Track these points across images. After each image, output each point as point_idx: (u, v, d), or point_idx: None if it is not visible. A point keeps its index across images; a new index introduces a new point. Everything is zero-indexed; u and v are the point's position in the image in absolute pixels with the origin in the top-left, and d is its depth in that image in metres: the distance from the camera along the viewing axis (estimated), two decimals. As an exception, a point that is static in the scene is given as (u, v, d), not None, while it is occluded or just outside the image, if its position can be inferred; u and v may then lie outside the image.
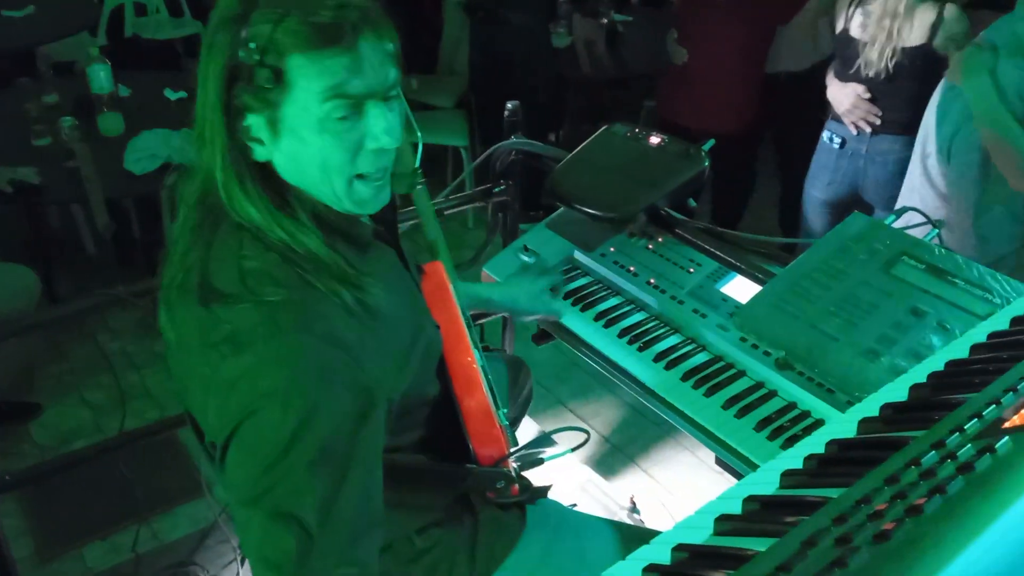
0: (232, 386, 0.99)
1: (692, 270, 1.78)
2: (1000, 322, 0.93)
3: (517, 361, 1.97)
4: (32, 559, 2.52)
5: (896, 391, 0.81)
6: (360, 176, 1.10)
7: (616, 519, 2.23)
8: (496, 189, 2.13)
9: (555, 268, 1.88)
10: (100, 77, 3.12)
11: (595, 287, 1.86)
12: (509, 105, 2.11)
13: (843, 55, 2.69)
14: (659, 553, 0.62)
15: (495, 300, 1.75)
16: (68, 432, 2.99)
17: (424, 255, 1.49)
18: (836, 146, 2.78)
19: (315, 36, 1.01)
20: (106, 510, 2.62)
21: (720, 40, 3.31)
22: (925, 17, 2.51)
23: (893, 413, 0.75)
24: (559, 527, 1.46)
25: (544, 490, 1.44)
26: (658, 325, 1.74)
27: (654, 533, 1.53)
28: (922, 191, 2.34)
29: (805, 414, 1.48)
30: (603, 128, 2.01)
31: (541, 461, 1.45)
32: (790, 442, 1.44)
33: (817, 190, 2.93)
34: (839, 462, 0.68)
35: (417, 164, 1.37)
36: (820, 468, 0.68)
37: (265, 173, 1.10)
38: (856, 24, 2.60)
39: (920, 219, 1.76)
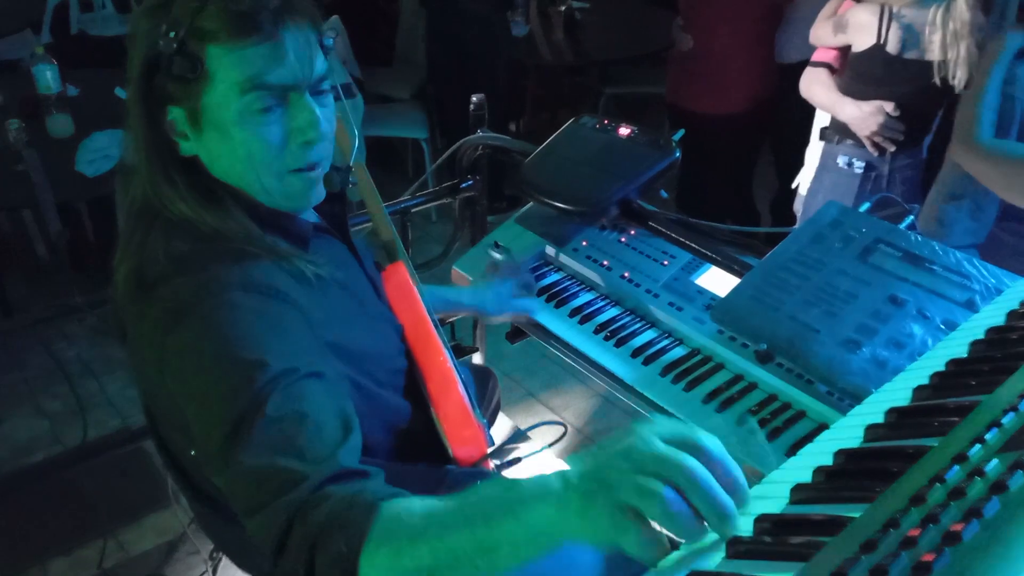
0: (181, 355, 0.96)
1: (666, 263, 1.76)
2: (995, 316, 0.92)
3: (485, 370, 1.95)
4: (-7, 577, 2.44)
5: (897, 392, 0.79)
6: (290, 171, 1.08)
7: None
8: (463, 185, 2.08)
9: (525, 265, 1.84)
10: (46, 77, 3.02)
11: (568, 283, 1.83)
12: (474, 98, 2.07)
13: (864, 71, 2.47)
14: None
15: (464, 303, 1.72)
16: (25, 444, 2.90)
17: (381, 256, 1.46)
18: (859, 171, 2.57)
19: (233, 25, 0.98)
20: (68, 524, 2.55)
21: (725, 23, 3.28)
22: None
23: (899, 418, 0.73)
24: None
25: None
26: (634, 320, 1.72)
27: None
28: None
29: (786, 406, 1.47)
30: (571, 120, 1.97)
31: (519, 459, 1.42)
32: (773, 434, 1.42)
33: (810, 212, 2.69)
34: (851, 475, 0.66)
35: (352, 161, 1.34)
36: (832, 482, 0.66)
37: (194, 168, 1.08)
38: (895, 39, 2.37)
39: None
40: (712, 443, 0.67)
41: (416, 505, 0.80)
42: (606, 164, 1.85)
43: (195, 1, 0.98)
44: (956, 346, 0.87)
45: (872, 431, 0.72)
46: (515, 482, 0.74)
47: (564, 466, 2.34)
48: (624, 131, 1.89)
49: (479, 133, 2.05)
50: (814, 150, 2.77)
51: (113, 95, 3.42)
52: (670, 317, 1.65)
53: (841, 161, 2.59)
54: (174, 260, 1.02)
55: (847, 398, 1.37)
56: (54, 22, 4.67)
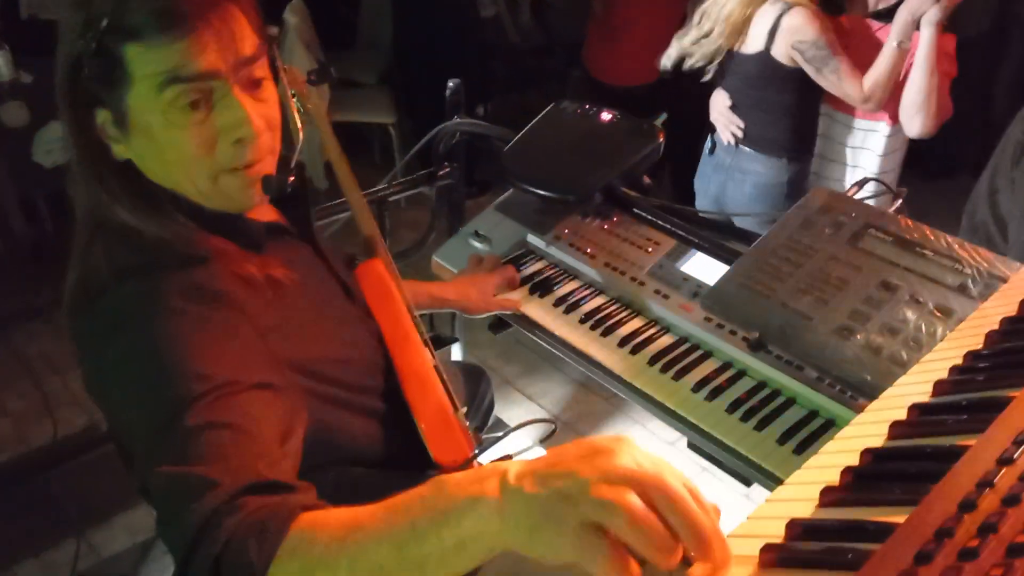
0: (117, 366, 0.93)
1: (651, 250, 1.74)
2: (1007, 304, 0.91)
3: (478, 370, 1.91)
4: (-40, 584, 2.37)
5: (916, 385, 0.77)
6: (224, 171, 1.03)
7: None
8: (440, 172, 2.04)
9: (505, 257, 1.81)
10: (-1, 64, 2.92)
11: (551, 272, 1.80)
12: (451, 83, 2.02)
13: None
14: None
15: (449, 299, 1.68)
16: (-12, 445, 2.82)
17: (361, 251, 1.41)
18: (707, 151, 2.60)
19: (154, 22, 0.93)
20: (37, 525, 2.48)
21: None
22: (761, 23, 2.33)
23: (923, 415, 0.71)
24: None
25: None
26: (620, 308, 1.69)
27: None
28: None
29: (776, 393, 1.46)
30: (551, 106, 1.94)
31: (509, 457, 1.39)
32: (764, 423, 1.41)
33: (699, 196, 2.64)
34: (882, 476, 0.64)
35: (293, 164, 1.26)
36: (862, 483, 0.64)
37: (130, 172, 1.03)
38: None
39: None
40: (675, 471, 0.60)
41: (336, 515, 0.74)
42: (588, 150, 1.82)
43: None
44: (969, 336, 0.86)
45: (896, 428, 0.70)
46: (444, 483, 0.67)
47: (539, 451, 2.30)
48: (606, 116, 1.86)
49: (456, 119, 2.01)
50: None
51: (70, 82, 3.32)
52: (656, 305, 1.63)
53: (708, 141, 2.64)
54: (116, 270, 0.98)
55: (839, 384, 1.37)
56: (3, 6, 4.52)
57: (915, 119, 2.18)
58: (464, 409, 1.36)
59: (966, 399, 0.70)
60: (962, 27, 2.55)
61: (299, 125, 1.19)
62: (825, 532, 0.58)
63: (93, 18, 0.93)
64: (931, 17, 2.09)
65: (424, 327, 1.36)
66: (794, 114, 2.40)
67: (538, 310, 1.71)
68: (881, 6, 2.31)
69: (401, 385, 1.26)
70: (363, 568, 0.67)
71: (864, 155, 2.43)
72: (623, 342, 1.60)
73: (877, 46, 2.25)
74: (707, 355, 1.56)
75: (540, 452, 1.79)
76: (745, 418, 1.43)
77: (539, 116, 1.92)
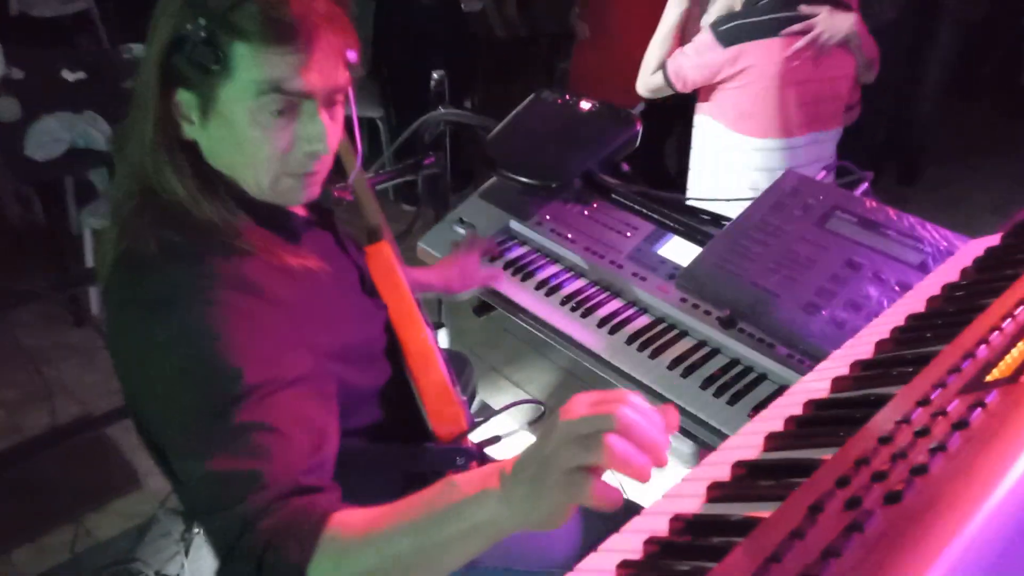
0: (164, 348, 0.96)
1: (629, 234, 1.80)
2: (950, 273, 0.97)
3: (462, 358, 1.97)
4: (-42, 569, 2.41)
5: (861, 347, 0.83)
6: (289, 174, 1.08)
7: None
8: (426, 161, 2.09)
9: (487, 237, 1.87)
10: (-10, 59, 2.95)
11: (533, 256, 1.86)
12: (435, 75, 2.07)
13: None
14: (657, 524, 0.62)
15: (433, 284, 1.74)
16: (-18, 434, 2.85)
17: (365, 237, 1.47)
18: None
19: (269, 31, 0.98)
20: (33, 512, 2.51)
21: (617, 10, 3.28)
22: None
23: (863, 369, 0.77)
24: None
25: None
26: (599, 291, 1.75)
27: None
28: None
29: (748, 370, 1.52)
30: (532, 95, 1.99)
31: (499, 438, 1.45)
32: (736, 398, 1.47)
33: None
34: (822, 422, 0.70)
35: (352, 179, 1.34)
36: (803, 429, 0.70)
37: (193, 152, 1.08)
38: None
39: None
40: (633, 397, 0.69)
41: (363, 513, 0.83)
42: (568, 138, 1.87)
43: None
44: (914, 302, 0.92)
45: (838, 382, 0.76)
46: (457, 483, 0.77)
47: (526, 436, 2.38)
48: (585, 105, 1.91)
49: (440, 110, 2.06)
50: None
51: (59, 77, 3.36)
52: (634, 287, 1.69)
53: None
54: (166, 248, 1.02)
55: (808, 359, 1.43)
56: (-7, 3, 4.55)
57: None
58: (459, 387, 1.42)
59: (900, 355, 0.76)
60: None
61: (359, 149, 1.29)
62: (766, 471, 0.64)
63: (207, 10, 0.97)
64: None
65: (421, 306, 1.41)
66: None
67: (520, 293, 1.77)
68: None
69: (405, 363, 1.32)
70: (388, 557, 0.77)
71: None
72: (602, 323, 1.66)
73: None
74: (683, 334, 1.62)
75: (527, 434, 1.86)
76: (718, 393, 1.49)
77: (521, 105, 1.97)
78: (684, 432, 1.53)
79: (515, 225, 1.90)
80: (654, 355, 1.57)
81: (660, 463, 0.64)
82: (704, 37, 2.22)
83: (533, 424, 1.50)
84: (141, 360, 0.99)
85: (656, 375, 1.54)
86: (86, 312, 3.32)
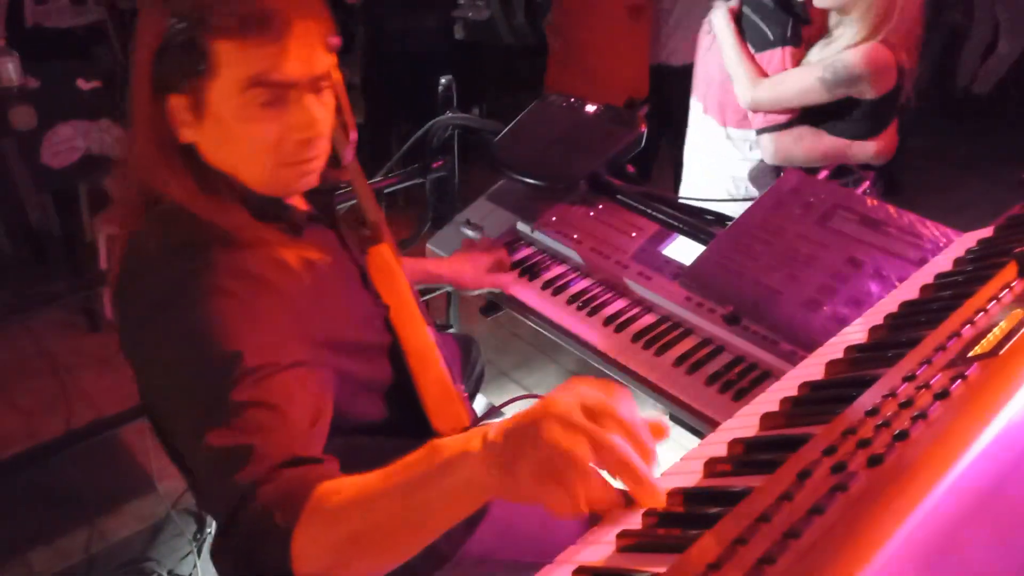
0: (165, 340, 0.99)
1: (634, 234, 1.82)
2: (943, 264, 0.99)
3: (467, 339, 1.99)
4: (-25, 570, 2.45)
5: (855, 334, 0.86)
6: (285, 164, 1.11)
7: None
8: (434, 164, 2.13)
9: (498, 243, 1.90)
10: (8, 69, 3.00)
11: (540, 256, 1.89)
12: (443, 80, 2.11)
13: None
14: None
15: (444, 275, 1.76)
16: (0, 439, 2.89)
17: (366, 237, 1.49)
18: None
19: (246, 25, 1.00)
20: (48, 515, 2.55)
21: (587, 22, 3.30)
22: None
23: (858, 353, 0.80)
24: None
25: None
26: (604, 290, 1.78)
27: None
28: None
29: (752, 367, 1.53)
30: (538, 99, 2.02)
31: None
32: (740, 394, 1.49)
33: None
34: (814, 402, 0.72)
35: (351, 159, 1.36)
36: (797, 409, 0.72)
37: (191, 155, 1.10)
38: None
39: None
40: (628, 409, 0.71)
41: (352, 480, 0.85)
42: (574, 141, 1.90)
43: None
44: (908, 291, 0.94)
45: (832, 366, 0.78)
46: (437, 445, 0.78)
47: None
48: (591, 108, 1.94)
49: (448, 114, 2.10)
50: None
51: (74, 86, 3.41)
52: (639, 286, 1.72)
53: None
54: (165, 246, 1.05)
55: (808, 354, 1.44)
56: (8, 15, 4.61)
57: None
58: (461, 384, 1.45)
59: (892, 339, 0.78)
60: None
61: (350, 129, 1.29)
62: (761, 448, 0.67)
63: (185, 12, 1.00)
64: None
65: (425, 307, 1.44)
66: None
67: (527, 292, 1.80)
68: None
69: (406, 360, 1.35)
70: (373, 518, 0.79)
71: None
72: (608, 321, 1.69)
73: None
74: (687, 332, 1.64)
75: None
76: (723, 390, 1.50)
77: (527, 109, 2.00)
78: (689, 428, 1.55)
79: (522, 226, 1.93)
80: (659, 352, 1.60)
81: (640, 497, 0.67)
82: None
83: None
84: (150, 355, 1.02)
85: (661, 372, 1.57)
86: (101, 318, 3.36)
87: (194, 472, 0.98)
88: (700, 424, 1.50)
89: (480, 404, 2.45)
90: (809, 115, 2.10)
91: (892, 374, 0.65)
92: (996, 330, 0.65)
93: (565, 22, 3.42)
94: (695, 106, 2.41)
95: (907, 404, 0.58)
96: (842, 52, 1.99)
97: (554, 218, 1.90)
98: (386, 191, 2.04)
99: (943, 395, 0.57)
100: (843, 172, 1.71)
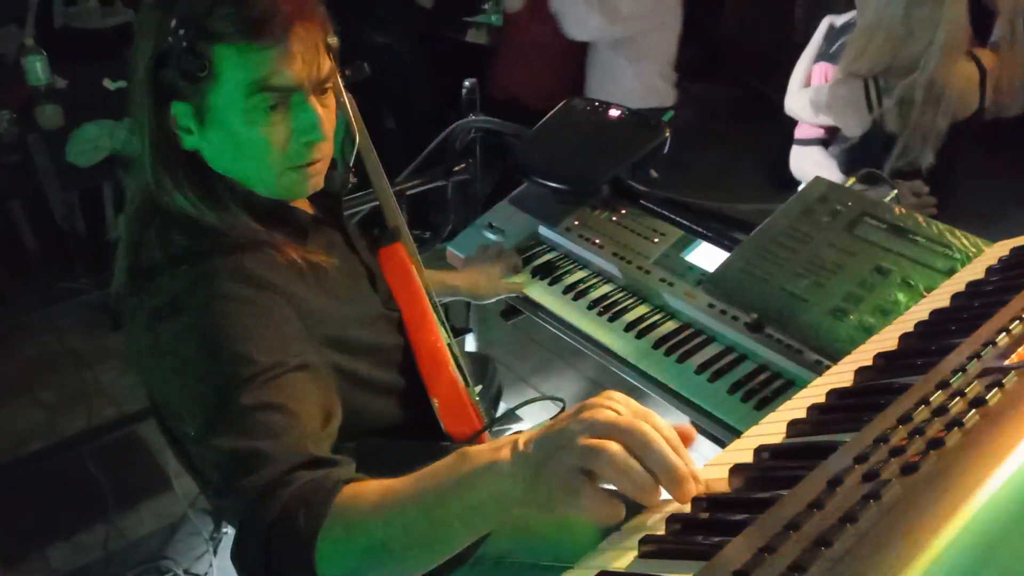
0: (173, 344, 0.99)
1: (657, 240, 1.81)
2: (975, 272, 0.97)
3: (483, 358, 1.98)
4: (-6, 563, 2.46)
5: (885, 341, 0.84)
6: (291, 167, 1.11)
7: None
8: (456, 167, 2.13)
9: (512, 249, 1.89)
10: (36, 69, 3.02)
11: (561, 261, 1.88)
12: (466, 83, 2.10)
13: (862, 155, 2.19)
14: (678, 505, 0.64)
15: (459, 287, 1.76)
16: (22, 433, 2.92)
17: (385, 238, 1.49)
18: None
19: (245, 28, 1.00)
20: (68, 511, 2.57)
21: (528, 10, 3.34)
22: None
23: (887, 361, 0.78)
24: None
25: None
26: (626, 295, 1.76)
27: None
28: None
29: (775, 376, 1.52)
30: (562, 103, 2.02)
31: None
32: (763, 403, 1.48)
33: None
34: (844, 409, 0.71)
35: (352, 160, 1.36)
36: (825, 416, 0.71)
37: (194, 162, 1.10)
38: (892, 117, 2.10)
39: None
40: (658, 418, 0.69)
41: (374, 485, 0.83)
42: (597, 145, 1.89)
43: (206, 0, 1.00)
44: (939, 299, 0.93)
45: (861, 373, 0.77)
46: (466, 454, 0.76)
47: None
48: (614, 113, 1.93)
49: (471, 117, 2.09)
50: None
51: (101, 86, 3.44)
52: (661, 292, 1.70)
53: None
54: (171, 253, 1.05)
55: (834, 363, 1.42)
56: (38, 16, 4.66)
57: None
58: (478, 387, 1.44)
59: (923, 347, 0.77)
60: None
61: (357, 130, 1.29)
62: (789, 454, 0.65)
63: (183, 19, 1.00)
64: None
65: (440, 310, 1.43)
66: None
67: (549, 297, 1.79)
68: None
69: (417, 363, 1.34)
70: (396, 527, 0.77)
71: None
72: (629, 327, 1.67)
73: None
74: (710, 340, 1.62)
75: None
76: (745, 399, 1.49)
77: (551, 113, 2.00)
78: (710, 437, 1.54)
79: (544, 231, 1.92)
80: (681, 360, 1.58)
81: (674, 491, 0.65)
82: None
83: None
84: (157, 361, 1.02)
85: (683, 380, 1.55)
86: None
87: (204, 474, 0.98)
88: (722, 433, 1.48)
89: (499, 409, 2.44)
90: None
91: (925, 382, 0.64)
92: (1034, 338, 0.64)
93: (506, 27, 3.49)
94: None
95: (941, 412, 0.57)
96: None
97: (576, 222, 1.90)
98: (408, 193, 2.03)
99: (979, 403, 0.56)
100: (872, 180, 1.69)
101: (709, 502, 0.62)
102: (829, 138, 2.30)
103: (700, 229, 1.79)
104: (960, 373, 0.62)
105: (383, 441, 1.28)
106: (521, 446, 0.71)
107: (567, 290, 1.79)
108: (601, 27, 3.04)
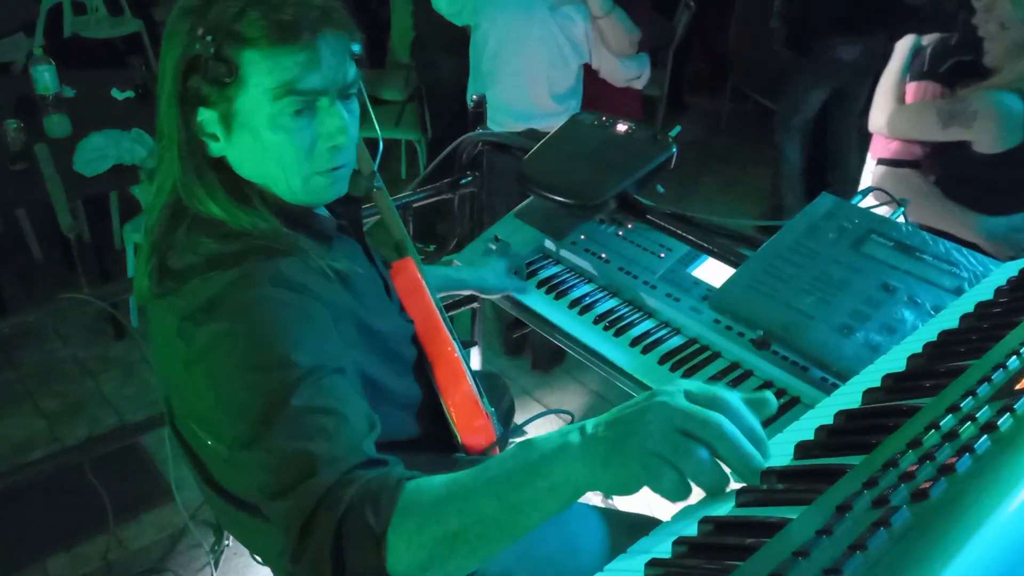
0: (212, 347, 0.98)
1: (663, 255, 1.80)
2: (984, 292, 0.97)
3: (493, 376, 1.98)
4: (-7, 574, 2.46)
5: (893, 362, 0.83)
6: (317, 171, 1.11)
7: (590, 504, 2.26)
8: (463, 180, 2.12)
9: (516, 254, 1.89)
10: (45, 77, 3.04)
11: (567, 275, 1.87)
12: (474, 96, 2.11)
13: (1004, 178, 2.20)
14: (686, 528, 0.63)
15: (466, 280, 1.76)
16: (23, 443, 2.91)
17: (391, 253, 1.49)
18: None
19: (272, 33, 1.01)
20: (68, 521, 2.56)
21: None
22: None
23: (895, 382, 0.77)
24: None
25: None
26: (632, 310, 1.76)
27: (643, 519, 1.56)
28: None
29: (781, 392, 1.51)
30: (570, 116, 2.02)
31: None
32: (768, 420, 1.46)
33: None
34: (851, 432, 0.70)
35: (376, 166, 1.37)
36: (833, 438, 0.70)
37: (222, 168, 1.11)
38: None
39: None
40: (733, 397, 0.73)
41: (438, 479, 0.84)
42: (604, 159, 1.89)
43: (234, 6, 1.01)
44: (948, 320, 0.92)
45: (870, 395, 0.76)
46: (531, 442, 0.78)
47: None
48: (621, 127, 1.93)
49: (479, 130, 2.09)
50: None
51: (108, 96, 3.46)
52: (667, 307, 1.70)
53: None
54: (204, 256, 1.05)
55: (842, 382, 1.41)
56: (47, 24, 4.69)
57: None
58: (487, 400, 1.43)
59: (932, 368, 0.76)
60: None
61: (379, 136, 1.28)
62: (796, 477, 0.65)
63: (211, 25, 1.01)
64: None
65: (451, 323, 1.43)
66: None
67: (554, 311, 1.78)
68: None
69: (432, 375, 1.34)
70: (470, 517, 0.78)
71: None
72: (635, 342, 1.66)
73: None
74: (716, 355, 1.61)
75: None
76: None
77: (558, 127, 2.00)
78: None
79: (550, 244, 1.92)
80: (687, 375, 1.57)
81: (749, 481, 0.68)
82: None
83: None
84: (189, 368, 1.01)
85: (688, 395, 1.54)
86: (127, 325, 3.39)
87: (250, 479, 0.96)
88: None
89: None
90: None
91: (934, 404, 0.63)
92: (1044, 362, 0.63)
93: None
94: None
95: (952, 437, 0.56)
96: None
97: (582, 236, 1.89)
98: (414, 205, 2.03)
99: (990, 428, 0.55)
100: (879, 196, 1.69)
101: (716, 524, 0.62)
102: (927, 159, 2.28)
103: (706, 244, 1.78)
104: (971, 397, 0.62)
105: (399, 455, 1.27)
106: (591, 429, 0.74)
107: (573, 304, 1.78)
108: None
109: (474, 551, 0.79)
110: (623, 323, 1.72)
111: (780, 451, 0.72)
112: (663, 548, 0.61)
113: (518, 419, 2.42)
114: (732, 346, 1.58)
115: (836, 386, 1.44)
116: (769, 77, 4.57)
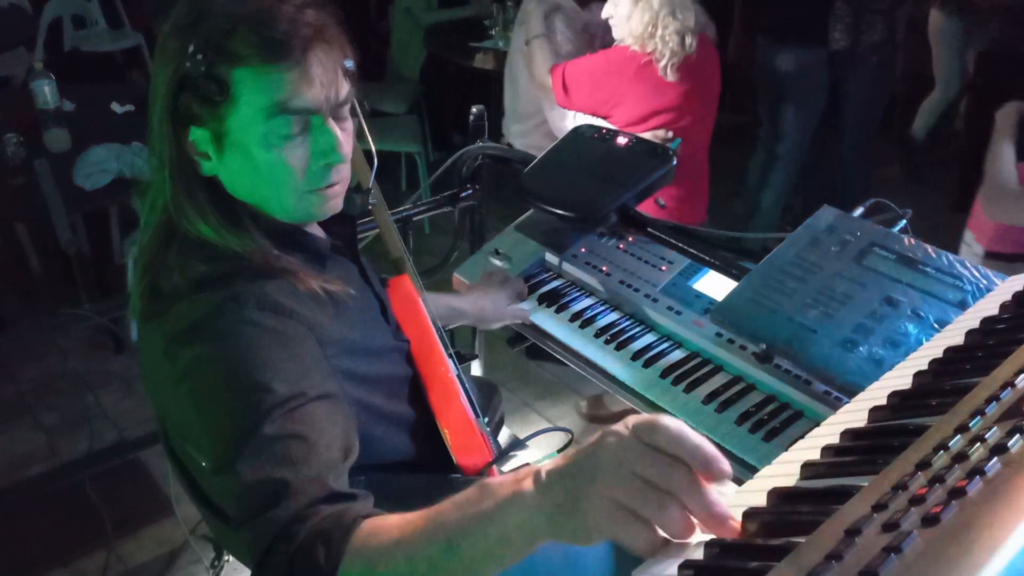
0: (194, 370, 0.98)
1: (664, 268, 1.80)
2: (989, 307, 0.96)
3: (489, 385, 1.97)
4: (-8, 590, 2.44)
5: (898, 379, 0.83)
6: (310, 191, 1.10)
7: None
8: (463, 194, 2.12)
9: (519, 276, 1.88)
10: (45, 92, 3.04)
11: (568, 288, 1.86)
12: (474, 109, 2.10)
13: None
14: (692, 551, 0.62)
15: (465, 310, 1.75)
16: (23, 457, 2.90)
17: (389, 269, 1.49)
18: None
19: (263, 50, 1.00)
20: (67, 536, 2.55)
21: None
22: None
23: (901, 400, 0.77)
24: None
25: None
26: (633, 324, 1.75)
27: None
28: None
29: (784, 406, 1.50)
30: (571, 129, 2.01)
31: (527, 465, 1.45)
32: (771, 434, 1.46)
33: None
34: (858, 451, 0.69)
35: (371, 183, 1.35)
36: (840, 458, 0.69)
37: (214, 188, 1.10)
38: None
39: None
40: (692, 438, 0.66)
41: (393, 520, 0.81)
42: (605, 172, 1.88)
43: (226, 24, 1.00)
44: (953, 336, 0.91)
45: (876, 413, 0.75)
46: (488, 485, 0.73)
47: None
48: (622, 140, 1.93)
49: (479, 143, 2.09)
50: None
51: (108, 110, 3.45)
52: (669, 321, 1.69)
53: None
54: (191, 279, 1.04)
55: (845, 396, 1.41)
56: (47, 39, 4.70)
57: None
58: (485, 420, 1.43)
59: (939, 386, 0.75)
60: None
61: (374, 154, 1.29)
62: (802, 498, 0.64)
63: (203, 43, 1.00)
64: None
65: (447, 340, 1.42)
66: None
67: (555, 325, 1.77)
68: None
69: (427, 395, 1.33)
70: (419, 563, 0.75)
71: None
72: (636, 356, 1.66)
73: None
74: (717, 369, 1.61)
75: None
76: (754, 429, 1.47)
77: (559, 140, 1.99)
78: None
79: (550, 257, 1.91)
80: (688, 389, 1.57)
81: (717, 533, 0.63)
82: None
83: (561, 452, 1.49)
84: (173, 388, 1.01)
85: (691, 410, 1.53)
86: (126, 340, 3.38)
87: (219, 505, 0.96)
88: (731, 465, 1.46)
89: (503, 436, 2.42)
90: None
91: (942, 424, 0.62)
92: (1054, 381, 0.62)
93: None
94: None
95: (961, 458, 0.55)
96: None
97: (583, 250, 1.88)
98: (414, 219, 2.03)
99: (1001, 450, 0.55)
100: (881, 208, 1.68)
101: (723, 547, 0.61)
102: None
103: (707, 257, 1.78)
104: (979, 416, 0.61)
105: (395, 476, 1.26)
106: (544, 477, 0.69)
107: (573, 318, 1.78)
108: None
109: None
110: (624, 336, 1.71)
111: (786, 470, 0.71)
112: (669, 573, 0.60)
113: (519, 433, 2.41)
114: (734, 359, 1.57)
115: (840, 400, 1.43)
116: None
